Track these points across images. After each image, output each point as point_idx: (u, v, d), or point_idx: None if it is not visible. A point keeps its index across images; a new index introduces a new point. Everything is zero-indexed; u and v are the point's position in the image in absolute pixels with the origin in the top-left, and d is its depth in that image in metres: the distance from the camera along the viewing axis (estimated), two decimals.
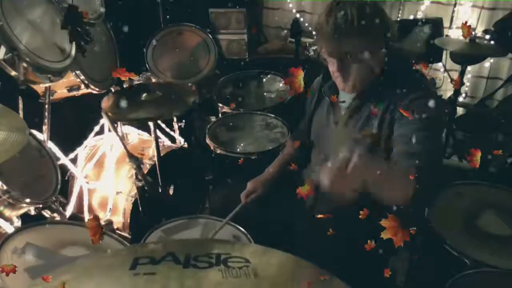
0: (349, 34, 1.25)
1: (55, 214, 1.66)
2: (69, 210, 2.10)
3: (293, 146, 1.75)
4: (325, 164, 1.11)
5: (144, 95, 1.89)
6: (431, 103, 1.23)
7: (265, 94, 2.68)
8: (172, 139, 2.66)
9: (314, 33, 1.42)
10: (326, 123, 1.52)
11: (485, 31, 2.79)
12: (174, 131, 2.65)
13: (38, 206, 1.58)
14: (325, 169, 1.05)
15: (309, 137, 1.63)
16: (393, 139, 1.31)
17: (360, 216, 1.15)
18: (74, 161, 2.22)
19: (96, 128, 2.36)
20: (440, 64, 3.10)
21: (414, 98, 1.27)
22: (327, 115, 1.51)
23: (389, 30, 1.29)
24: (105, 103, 1.83)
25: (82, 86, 1.99)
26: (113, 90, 2.18)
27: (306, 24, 3.57)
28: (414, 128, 1.24)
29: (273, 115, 2.31)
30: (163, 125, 2.63)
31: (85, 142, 2.34)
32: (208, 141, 2.10)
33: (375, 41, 1.27)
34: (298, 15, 3.55)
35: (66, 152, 2.12)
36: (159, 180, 2.02)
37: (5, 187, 1.40)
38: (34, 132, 1.76)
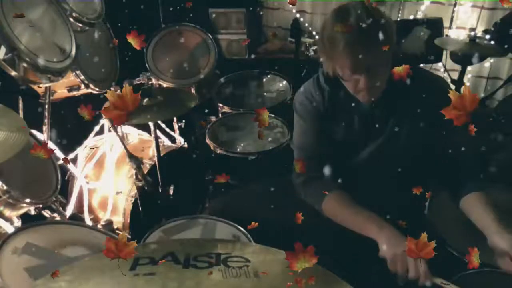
0: (369, 45, 1.17)
1: (55, 214, 1.66)
2: (69, 210, 2.10)
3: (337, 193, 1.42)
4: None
5: (145, 100, 1.90)
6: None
7: (265, 94, 2.68)
8: (172, 139, 2.66)
9: (321, 54, 1.31)
10: (358, 127, 1.42)
11: (485, 31, 2.79)
12: (174, 131, 2.65)
13: (38, 206, 1.58)
14: None
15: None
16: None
17: None
18: (74, 161, 2.23)
19: (96, 128, 2.36)
20: (440, 64, 3.10)
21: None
22: (347, 127, 1.42)
23: (394, 32, 1.24)
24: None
25: (82, 86, 1.99)
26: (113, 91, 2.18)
27: (306, 24, 3.57)
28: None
29: (273, 115, 2.31)
30: (163, 125, 2.63)
31: (85, 142, 2.34)
32: (208, 141, 2.10)
33: (388, 45, 1.18)
34: (298, 15, 3.55)
35: (66, 152, 2.12)
36: (159, 180, 2.02)
37: (5, 187, 1.40)
38: (34, 132, 1.76)
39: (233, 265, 0.71)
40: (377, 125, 1.39)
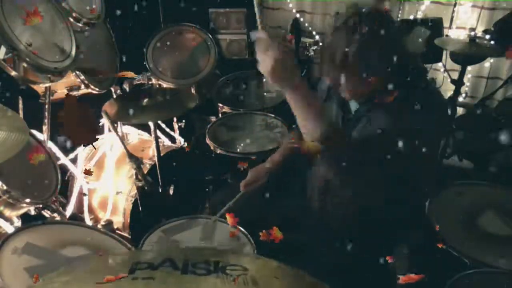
0: (332, 63, 1.26)
1: (55, 214, 1.66)
2: (69, 210, 2.10)
3: (297, 137, 1.71)
4: None
5: (145, 100, 1.91)
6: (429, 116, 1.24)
7: (265, 94, 2.68)
8: (172, 139, 2.66)
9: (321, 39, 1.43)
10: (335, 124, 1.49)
11: (485, 31, 2.79)
12: (174, 131, 2.65)
13: (38, 206, 1.58)
14: None
15: None
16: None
17: None
18: (74, 161, 2.23)
19: None
20: (440, 64, 3.10)
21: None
22: (336, 116, 1.49)
23: (394, 52, 1.24)
24: (108, 108, 1.84)
25: (82, 86, 2.00)
26: (113, 91, 2.18)
27: (306, 24, 3.57)
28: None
29: (273, 115, 2.31)
30: (163, 125, 2.63)
31: None
32: (208, 141, 2.10)
33: (373, 64, 1.25)
34: (298, 15, 3.55)
35: (66, 152, 2.12)
36: (159, 180, 2.03)
37: (5, 187, 1.40)
38: (34, 132, 1.76)
39: (231, 273, 0.71)
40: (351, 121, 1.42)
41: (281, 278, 0.71)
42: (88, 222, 2.20)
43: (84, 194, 2.16)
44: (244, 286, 0.66)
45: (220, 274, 0.67)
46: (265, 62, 1.11)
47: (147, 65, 2.44)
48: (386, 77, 1.28)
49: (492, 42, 2.59)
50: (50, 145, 1.85)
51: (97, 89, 2.05)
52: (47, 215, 1.64)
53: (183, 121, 2.63)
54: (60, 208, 1.70)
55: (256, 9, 1.22)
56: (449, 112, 1.36)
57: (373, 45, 1.21)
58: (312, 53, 3.32)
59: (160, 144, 2.26)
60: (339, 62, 1.25)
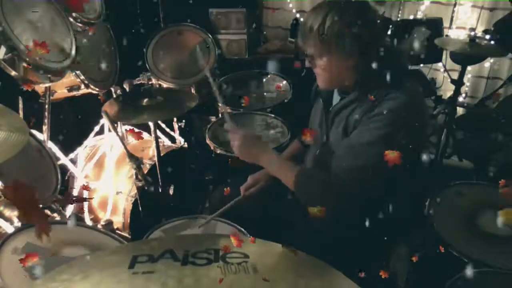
0: (306, 39, 1.30)
1: (55, 214, 1.66)
2: (69, 210, 2.10)
3: (299, 143, 1.80)
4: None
5: (145, 100, 1.91)
6: (394, 119, 1.21)
7: (265, 94, 2.68)
8: (172, 139, 2.66)
9: None
10: (318, 122, 1.54)
11: (485, 31, 2.80)
12: (174, 131, 2.65)
13: None
14: None
15: None
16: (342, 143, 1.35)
17: None
18: (74, 161, 2.23)
19: (96, 128, 2.36)
20: (440, 64, 3.10)
21: (379, 113, 1.24)
22: (320, 114, 1.53)
23: (364, 39, 1.24)
24: (108, 108, 1.84)
25: (82, 86, 2.00)
26: (113, 91, 2.18)
27: None
28: (363, 141, 1.24)
29: (273, 115, 2.31)
30: (163, 125, 2.63)
31: (85, 142, 2.34)
32: (208, 141, 2.10)
33: (337, 50, 1.26)
34: (298, 15, 3.55)
35: (66, 152, 2.12)
36: (159, 180, 2.02)
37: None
38: (34, 132, 1.76)
39: (232, 261, 0.71)
40: (329, 121, 1.45)
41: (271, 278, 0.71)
42: (88, 222, 2.20)
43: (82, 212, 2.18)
44: (245, 274, 0.66)
45: (220, 263, 0.67)
46: (233, 143, 1.42)
47: (147, 65, 2.44)
48: (361, 69, 1.28)
49: (492, 42, 2.59)
50: (50, 145, 1.86)
51: (97, 89, 2.06)
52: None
53: (183, 121, 2.63)
54: (60, 208, 1.70)
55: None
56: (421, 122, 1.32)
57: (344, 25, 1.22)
58: None
59: (160, 144, 2.26)
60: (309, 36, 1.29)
